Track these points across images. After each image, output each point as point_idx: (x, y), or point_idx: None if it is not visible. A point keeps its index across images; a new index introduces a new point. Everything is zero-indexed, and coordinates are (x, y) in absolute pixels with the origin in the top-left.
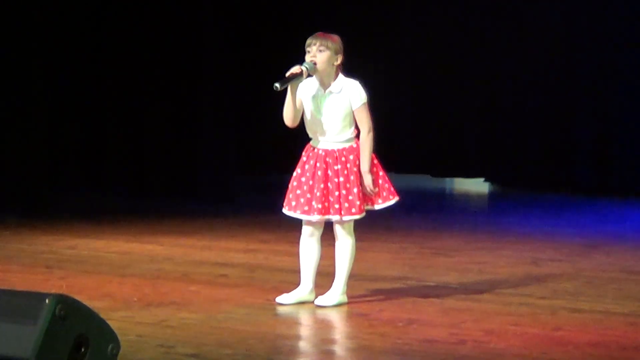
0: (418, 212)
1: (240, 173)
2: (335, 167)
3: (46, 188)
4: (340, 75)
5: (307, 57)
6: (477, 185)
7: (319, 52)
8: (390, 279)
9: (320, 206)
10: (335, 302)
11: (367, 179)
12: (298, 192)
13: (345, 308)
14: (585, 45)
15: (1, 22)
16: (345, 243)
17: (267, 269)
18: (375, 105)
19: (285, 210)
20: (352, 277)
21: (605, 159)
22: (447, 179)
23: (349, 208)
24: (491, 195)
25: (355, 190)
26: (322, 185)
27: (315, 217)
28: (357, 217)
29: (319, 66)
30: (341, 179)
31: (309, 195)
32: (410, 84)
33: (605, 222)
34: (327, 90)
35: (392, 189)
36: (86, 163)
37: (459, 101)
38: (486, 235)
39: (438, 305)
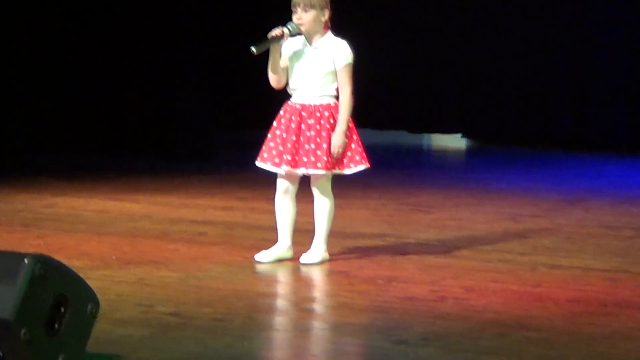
0: (396, 169)
1: (218, 129)
2: (309, 121)
3: (22, 146)
4: (329, 33)
5: (294, 18)
6: (455, 141)
7: (304, 13)
8: (369, 236)
9: (289, 158)
10: (318, 259)
11: (339, 139)
12: (271, 144)
13: (325, 266)
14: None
15: None
16: (322, 202)
17: (245, 227)
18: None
19: (257, 162)
20: (331, 235)
21: (582, 113)
22: (425, 135)
23: (315, 162)
24: (469, 151)
25: (324, 145)
26: (293, 138)
27: (284, 169)
28: (321, 172)
29: (305, 27)
30: (312, 132)
31: (281, 148)
32: (388, 40)
33: (583, 178)
34: (313, 46)
35: (364, 154)
36: (62, 121)
37: (436, 57)
38: (465, 191)
39: (417, 262)
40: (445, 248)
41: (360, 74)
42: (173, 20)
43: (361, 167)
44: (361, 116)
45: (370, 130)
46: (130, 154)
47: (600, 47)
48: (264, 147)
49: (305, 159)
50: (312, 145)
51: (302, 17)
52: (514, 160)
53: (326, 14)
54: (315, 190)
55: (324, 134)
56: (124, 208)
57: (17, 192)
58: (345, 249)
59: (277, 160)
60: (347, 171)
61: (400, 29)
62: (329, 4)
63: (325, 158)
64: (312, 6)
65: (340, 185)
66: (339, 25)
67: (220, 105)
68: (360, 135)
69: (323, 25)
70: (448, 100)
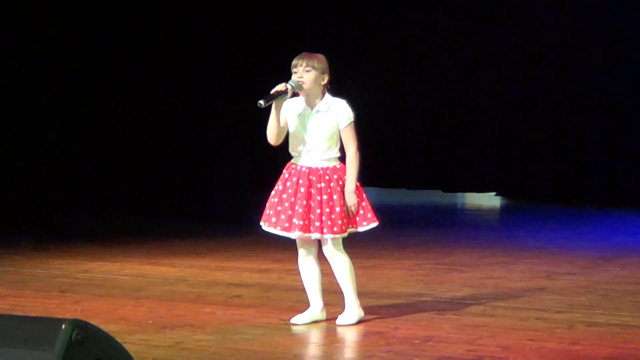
0: (431, 228)
1: (253, 190)
2: (319, 185)
3: (58, 212)
4: (327, 95)
5: (294, 77)
6: (489, 200)
7: (306, 72)
8: (405, 296)
9: (301, 223)
10: (355, 319)
11: (352, 198)
12: (279, 208)
13: (361, 326)
14: (594, 56)
15: (9, 47)
16: (338, 263)
17: (281, 289)
18: (385, 122)
19: (264, 226)
20: (367, 295)
21: (616, 171)
22: (459, 194)
23: (331, 226)
24: (503, 209)
25: (337, 209)
26: (304, 203)
27: (296, 234)
28: (338, 236)
29: (306, 86)
30: (324, 197)
31: (290, 212)
32: (420, 100)
33: (618, 234)
34: (314, 109)
35: (374, 212)
36: (98, 186)
37: (469, 116)
38: (500, 249)
39: (454, 322)
40: (482, 307)
41: (394, 135)
42: (208, 82)
43: (373, 224)
44: (395, 176)
45: (405, 190)
46: (164, 217)
47: (633, 105)
48: (270, 211)
49: (317, 224)
50: (327, 210)
51: (303, 76)
52: (548, 218)
53: (325, 79)
54: (328, 253)
55: (335, 197)
56: (159, 272)
57: (53, 258)
58: (382, 309)
59: (287, 224)
60: (360, 229)
61: (432, 91)
62: (328, 70)
63: (339, 222)
64: (313, 67)
65: (376, 245)
66: (368, 87)
67: (254, 167)
68: (394, 195)
69: (322, 88)
70: (481, 159)
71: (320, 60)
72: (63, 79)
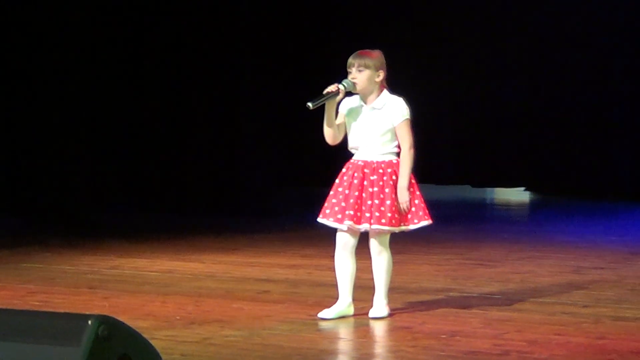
0: (459, 223)
1: (281, 186)
2: (372, 178)
3: (87, 208)
4: (385, 92)
5: (349, 77)
6: (518, 195)
7: (359, 72)
8: (432, 291)
9: (351, 213)
10: (386, 312)
11: (404, 195)
12: (333, 201)
13: (388, 321)
14: (623, 49)
15: (56, 51)
16: (380, 258)
17: (309, 284)
18: (414, 116)
19: (319, 219)
20: (394, 290)
21: None
22: (488, 189)
23: (379, 218)
24: (532, 204)
25: (387, 202)
26: (356, 194)
27: (347, 224)
28: (385, 228)
29: (359, 86)
30: (375, 189)
31: (343, 204)
32: (449, 95)
33: None
34: (370, 106)
35: (427, 210)
36: (126, 182)
37: (498, 111)
38: (528, 244)
39: (481, 317)
40: (509, 302)
41: (423, 130)
42: (236, 82)
43: (424, 223)
44: (424, 171)
45: (434, 185)
46: (193, 213)
47: None
48: (326, 204)
49: (368, 215)
50: (376, 202)
51: (356, 76)
52: (577, 212)
53: (381, 75)
54: (373, 246)
55: (387, 190)
56: (188, 268)
57: (82, 254)
58: (409, 303)
59: (339, 216)
60: (412, 227)
61: (461, 86)
62: (384, 66)
63: (389, 214)
64: (366, 66)
65: (404, 240)
66: (397, 83)
67: (283, 163)
68: (423, 190)
69: (378, 85)
70: (510, 154)
71: (374, 57)
72: (94, 78)
